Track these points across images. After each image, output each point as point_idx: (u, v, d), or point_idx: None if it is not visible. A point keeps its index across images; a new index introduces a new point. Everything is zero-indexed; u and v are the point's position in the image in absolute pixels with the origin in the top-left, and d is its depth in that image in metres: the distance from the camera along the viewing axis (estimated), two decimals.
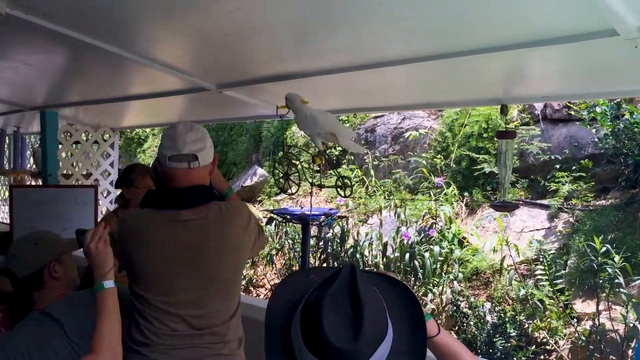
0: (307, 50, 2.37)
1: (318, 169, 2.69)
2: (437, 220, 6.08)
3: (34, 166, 6.01)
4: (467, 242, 5.90)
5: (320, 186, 2.99)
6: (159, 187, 1.96)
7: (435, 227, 5.94)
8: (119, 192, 3.23)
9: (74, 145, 5.04)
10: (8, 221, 5.26)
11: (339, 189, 2.69)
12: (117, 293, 1.69)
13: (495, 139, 6.14)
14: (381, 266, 5.68)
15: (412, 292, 1.22)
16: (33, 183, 5.73)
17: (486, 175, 6.38)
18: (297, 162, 2.79)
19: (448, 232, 5.82)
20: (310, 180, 3.02)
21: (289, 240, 6.69)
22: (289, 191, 2.88)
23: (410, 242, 5.71)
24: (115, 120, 5.12)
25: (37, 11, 2.18)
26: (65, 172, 4.86)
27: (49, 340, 1.71)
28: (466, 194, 6.60)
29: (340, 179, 2.70)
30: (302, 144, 8.61)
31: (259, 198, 8.67)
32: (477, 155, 6.47)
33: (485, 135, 6.55)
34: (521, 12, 1.67)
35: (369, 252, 5.93)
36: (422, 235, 5.90)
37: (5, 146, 5.97)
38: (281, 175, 2.92)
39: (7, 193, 7.58)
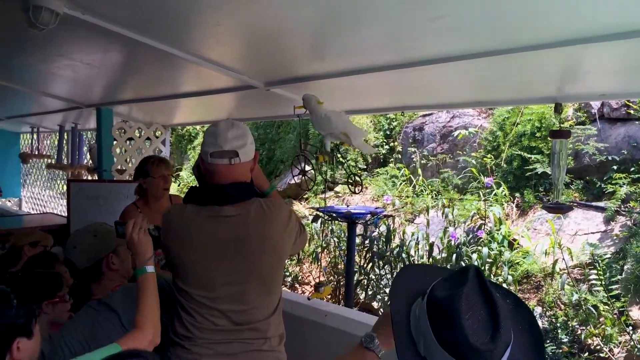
0: (354, 47, 2.35)
1: (327, 164, 2.79)
2: (486, 221, 5.95)
3: (90, 161, 6.21)
4: (518, 244, 5.74)
5: (334, 182, 3.08)
6: (202, 183, 1.99)
7: (484, 228, 5.82)
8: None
9: (127, 142, 5.19)
10: (66, 214, 5.49)
11: (349, 186, 2.75)
12: (165, 286, 1.76)
13: (548, 138, 5.97)
14: None
15: (525, 304, 1.24)
16: (89, 178, 5.92)
17: (538, 176, 6.20)
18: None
19: (497, 234, 5.68)
20: (323, 177, 3.08)
21: (335, 239, 6.68)
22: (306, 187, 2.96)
23: (457, 243, 5.60)
24: (167, 117, 5.24)
25: (93, 11, 2.24)
26: (119, 167, 5.01)
27: (106, 330, 1.76)
28: (517, 194, 6.43)
29: (351, 176, 2.73)
30: None
31: (306, 196, 8.71)
32: (529, 155, 6.29)
33: (538, 134, 6.36)
34: (580, 6, 1.61)
35: (415, 252, 5.86)
36: (471, 236, 5.78)
37: (64, 142, 6.19)
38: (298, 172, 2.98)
39: (65, 187, 7.91)
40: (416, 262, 5.74)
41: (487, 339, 1.00)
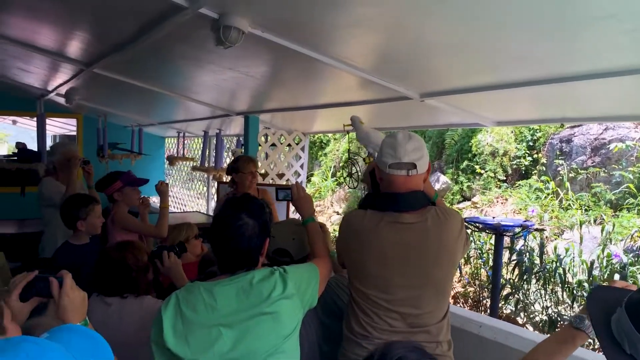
0: (519, 59, 2.28)
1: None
2: None
3: None
4: None
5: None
6: (375, 190, 2.07)
7: None
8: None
9: (270, 147, 5.50)
10: (205, 211, 5.87)
11: (345, 178, 2.94)
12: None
13: None
14: (585, 285, 5.20)
15: None
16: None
17: None
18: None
19: None
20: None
21: (477, 250, 6.52)
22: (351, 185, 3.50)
23: (622, 263, 5.15)
24: (307, 125, 5.48)
25: (271, 29, 2.41)
26: (262, 171, 5.31)
27: (304, 320, 1.84)
28: None
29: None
30: (488, 152, 8.36)
31: None
32: None
33: None
34: None
35: (569, 270, 5.49)
36: (632, 254, 5.31)
37: (207, 146, 6.67)
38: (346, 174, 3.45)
39: (205, 188, 8.58)
40: (572, 280, 5.41)
41: None
